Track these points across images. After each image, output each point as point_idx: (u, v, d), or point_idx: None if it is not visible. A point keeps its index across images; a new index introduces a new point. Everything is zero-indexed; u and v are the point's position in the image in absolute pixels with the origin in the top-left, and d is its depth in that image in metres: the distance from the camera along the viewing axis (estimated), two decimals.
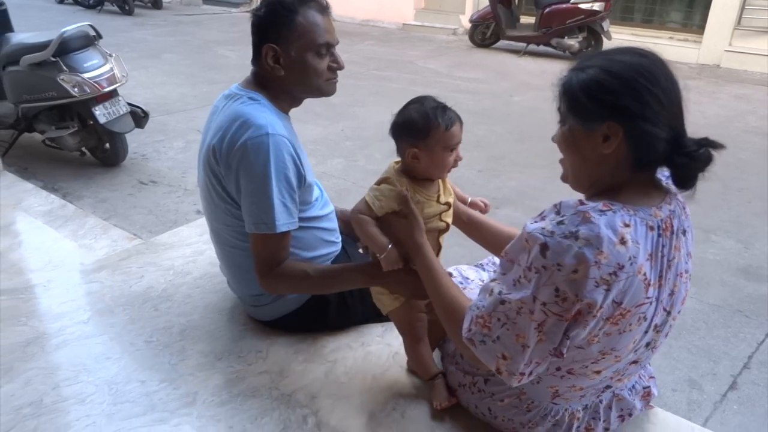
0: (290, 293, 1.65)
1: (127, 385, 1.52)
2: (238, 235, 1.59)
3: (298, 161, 1.50)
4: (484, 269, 1.73)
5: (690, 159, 1.03)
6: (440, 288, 1.30)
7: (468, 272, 1.69)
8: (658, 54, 1.08)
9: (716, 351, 2.51)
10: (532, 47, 9.04)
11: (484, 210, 1.63)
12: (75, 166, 4.27)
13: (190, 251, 2.17)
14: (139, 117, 4.13)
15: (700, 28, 8.87)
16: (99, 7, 12.27)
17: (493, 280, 1.16)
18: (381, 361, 1.63)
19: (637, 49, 1.09)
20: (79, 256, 2.26)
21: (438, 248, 1.45)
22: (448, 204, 1.44)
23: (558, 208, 1.06)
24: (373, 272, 1.43)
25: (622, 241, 1.00)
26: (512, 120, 5.80)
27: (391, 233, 1.37)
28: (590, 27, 8.38)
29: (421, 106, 1.35)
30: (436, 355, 1.57)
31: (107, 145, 4.16)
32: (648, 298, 1.07)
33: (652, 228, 1.05)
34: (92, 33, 3.98)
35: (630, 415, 1.39)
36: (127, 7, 12.00)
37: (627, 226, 1.01)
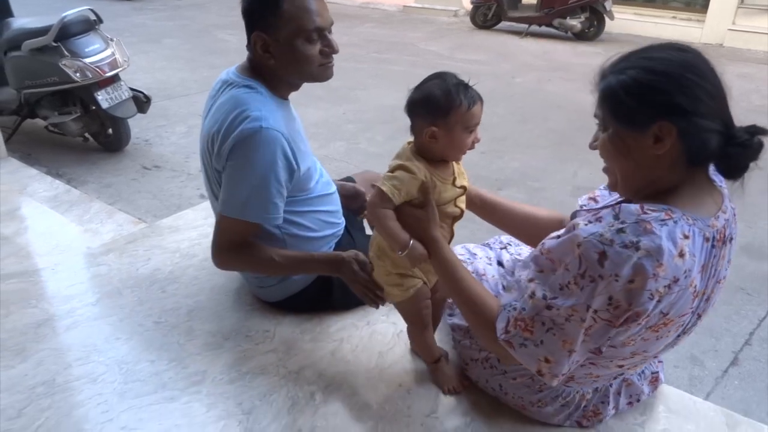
0: (240, 270, 1.69)
1: (137, 365, 1.55)
2: None
3: (290, 155, 1.48)
4: (491, 248, 1.74)
5: (743, 148, 0.99)
6: (461, 283, 1.26)
7: (475, 250, 1.71)
8: (695, 48, 1.04)
9: (718, 328, 2.53)
10: (534, 28, 8.96)
11: None
12: (78, 151, 4.28)
13: (195, 234, 2.19)
14: (142, 102, 4.13)
15: (704, 8, 8.78)
16: None
17: (530, 280, 1.12)
18: (386, 339, 1.65)
19: (675, 45, 1.04)
20: (86, 240, 2.28)
21: (451, 235, 1.41)
22: (463, 188, 1.39)
23: (617, 213, 1.02)
24: (338, 266, 1.51)
25: (681, 254, 0.98)
26: (514, 101, 5.77)
27: (403, 224, 1.30)
28: (592, 7, 8.28)
29: (443, 82, 1.27)
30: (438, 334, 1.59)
31: (110, 130, 4.16)
32: (692, 308, 1.07)
33: (707, 239, 1.03)
34: (93, 17, 3.96)
35: (638, 400, 1.41)
36: None
37: (686, 237, 0.99)
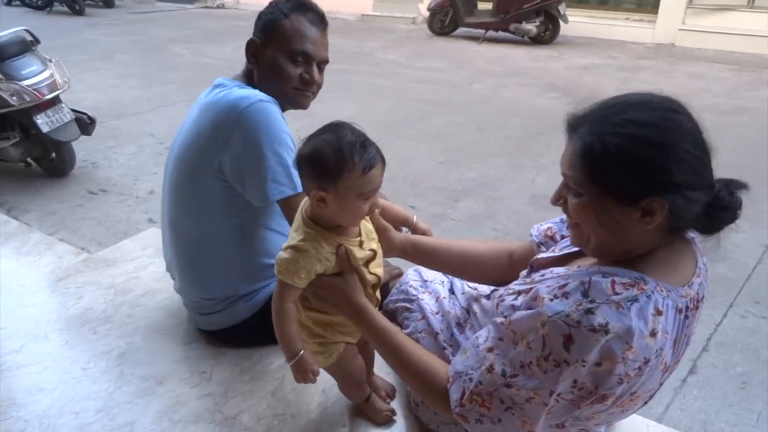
0: None
1: (60, 419, 1.44)
2: (209, 225, 1.53)
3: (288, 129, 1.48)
4: (444, 273, 1.67)
5: (725, 211, 0.94)
6: (401, 353, 1.16)
7: (427, 273, 1.64)
8: (679, 101, 0.95)
9: None
10: (491, 33, 9.04)
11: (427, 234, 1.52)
12: (21, 177, 4.11)
13: (132, 267, 2.08)
14: (85, 124, 3.97)
15: (654, 8, 8.98)
16: (48, 8, 11.90)
17: (489, 350, 1.04)
18: (329, 376, 1.57)
19: (659, 102, 0.95)
20: (19, 277, 2.14)
21: (376, 303, 1.25)
22: (373, 251, 1.21)
23: (586, 289, 0.93)
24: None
25: (653, 334, 0.90)
26: (472, 109, 5.77)
27: (322, 298, 1.18)
28: (547, 11, 8.42)
29: (336, 138, 1.06)
30: None
31: (53, 154, 4.00)
32: (660, 382, 1.01)
33: (680, 311, 0.96)
34: (29, 38, 3.81)
35: None
36: (77, 7, 11.66)
37: (659, 313, 0.91)
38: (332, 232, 1.14)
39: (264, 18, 1.54)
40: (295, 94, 1.54)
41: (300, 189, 1.39)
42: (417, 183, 3.83)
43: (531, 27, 8.52)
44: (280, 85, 1.50)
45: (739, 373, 2.30)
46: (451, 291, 1.57)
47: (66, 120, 3.81)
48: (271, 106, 1.42)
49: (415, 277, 1.63)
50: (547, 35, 8.67)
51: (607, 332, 0.88)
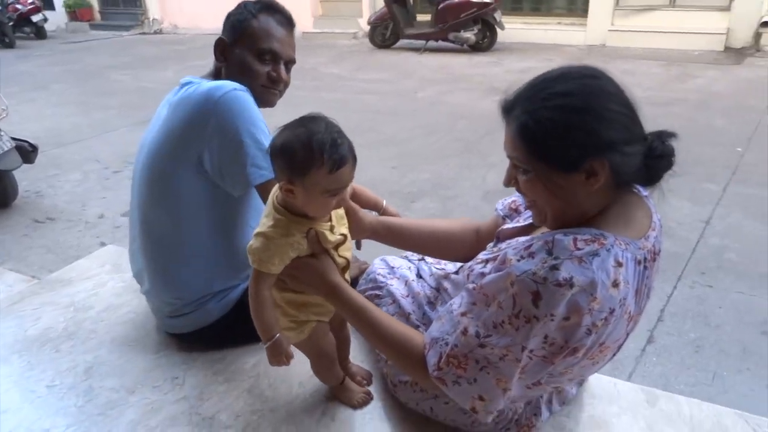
0: None
1: None
2: (186, 221, 1.53)
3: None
4: (409, 260, 1.70)
5: (660, 159, 0.99)
6: (377, 326, 1.19)
7: (394, 262, 1.66)
8: (597, 68, 1.01)
9: None
10: (431, 43, 9.24)
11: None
12: None
13: (90, 284, 2.03)
14: (27, 152, 3.84)
15: (584, 12, 9.38)
16: None
17: (463, 314, 1.07)
18: (306, 368, 1.56)
19: (584, 71, 1.00)
20: None
21: None
22: (343, 236, 1.24)
23: (550, 248, 0.97)
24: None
25: (615, 284, 0.95)
26: (419, 115, 5.88)
27: (298, 279, 1.20)
28: (484, 19, 8.67)
29: (306, 132, 1.06)
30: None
31: None
32: (626, 332, 1.06)
33: (639, 262, 1.01)
34: None
35: (564, 402, 1.40)
36: (7, 40, 11.29)
37: (620, 265, 0.96)
38: (303, 218, 1.16)
39: (232, 18, 1.57)
40: (262, 91, 1.57)
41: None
42: (372, 188, 3.80)
43: (469, 35, 8.76)
44: (248, 82, 1.52)
45: (693, 339, 2.42)
46: (419, 275, 1.61)
47: (6, 148, 3.68)
48: (245, 95, 1.45)
49: (381, 265, 1.66)
50: (486, 42, 8.93)
51: (572, 286, 0.93)
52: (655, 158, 0.99)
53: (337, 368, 1.41)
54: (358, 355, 1.58)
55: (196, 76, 1.60)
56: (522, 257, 1.00)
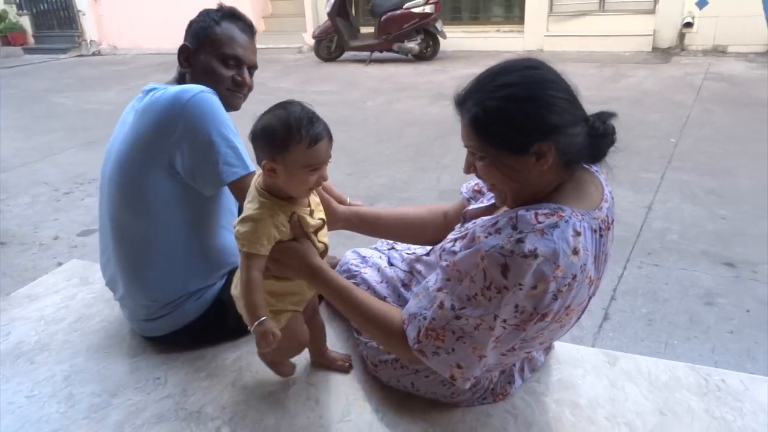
0: None
1: None
2: (159, 223, 1.55)
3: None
4: (379, 250, 1.77)
5: (603, 137, 1.08)
6: (358, 304, 1.25)
7: (365, 252, 1.73)
8: (536, 59, 1.11)
9: None
10: (377, 55, 9.39)
11: None
12: None
13: (59, 298, 2.01)
14: None
15: (521, 19, 9.74)
16: None
17: (438, 289, 1.15)
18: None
19: (525, 62, 1.10)
20: None
21: None
22: (322, 220, 1.33)
23: (515, 223, 1.06)
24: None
25: (575, 252, 1.04)
26: (369, 124, 5.98)
27: (280, 262, 1.25)
28: (426, 29, 8.88)
29: (285, 113, 1.15)
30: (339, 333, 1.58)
31: None
32: (589, 295, 1.16)
33: (595, 231, 1.10)
34: None
35: (534, 369, 1.50)
36: None
37: (578, 234, 1.05)
38: (285, 202, 1.22)
39: (195, 25, 1.63)
40: (228, 95, 1.63)
41: (251, 168, 1.48)
42: None
43: (413, 45, 8.96)
44: (214, 86, 1.56)
45: (644, 314, 2.58)
46: (390, 263, 1.68)
47: None
48: (212, 96, 1.50)
49: (353, 256, 1.73)
50: (429, 51, 9.15)
51: (536, 256, 1.02)
52: (598, 137, 1.09)
53: (289, 359, 1.48)
54: (336, 342, 1.64)
55: (160, 83, 1.63)
56: (489, 233, 1.09)
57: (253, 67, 1.70)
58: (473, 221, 1.28)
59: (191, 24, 1.66)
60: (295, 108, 1.17)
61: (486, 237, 1.08)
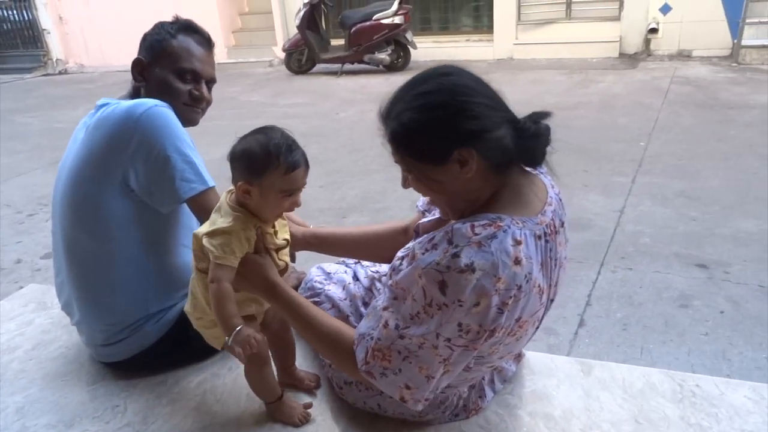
0: None
1: None
2: (116, 243, 1.50)
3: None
4: (346, 264, 1.73)
5: (536, 138, 1.04)
6: (312, 322, 1.22)
7: (330, 268, 1.69)
8: (453, 65, 1.08)
9: (561, 297, 2.67)
10: (348, 66, 9.37)
11: None
12: None
13: (14, 325, 1.92)
14: None
15: (490, 28, 9.83)
16: None
17: (385, 308, 1.12)
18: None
19: (438, 70, 1.07)
20: None
21: None
22: (286, 241, 1.33)
23: (450, 237, 1.02)
24: None
25: (517, 262, 1.00)
26: (342, 135, 5.95)
27: (239, 274, 1.22)
28: (396, 40, 8.90)
29: (265, 138, 1.17)
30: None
31: None
32: (542, 304, 1.11)
33: (539, 237, 1.06)
34: None
35: (505, 380, 1.46)
36: None
37: (519, 243, 1.01)
38: (255, 217, 1.23)
39: (150, 38, 1.57)
40: (185, 109, 1.57)
41: (210, 183, 1.45)
42: (303, 207, 3.83)
43: (384, 56, 8.96)
44: (170, 101, 1.52)
45: (619, 318, 2.57)
46: (355, 278, 1.64)
47: None
48: (167, 110, 1.45)
49: (318, 273, 1.68)
50: (400, 62, 9.16)
51: (473, 270, 0.98)
52: (529, 138, 1.05)
53: (273, 380, 1.39)
54: (303, 362, 1.58)
55: (113, 98, 1.58)
56: (426, 250, 1.05)
57: (211, 81, 1.65)
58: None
59: (145, 37, 1.61)
60: (275, 134, 1.18)
61: (422, 254, 1.05)
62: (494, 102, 1.06)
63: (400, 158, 1.09)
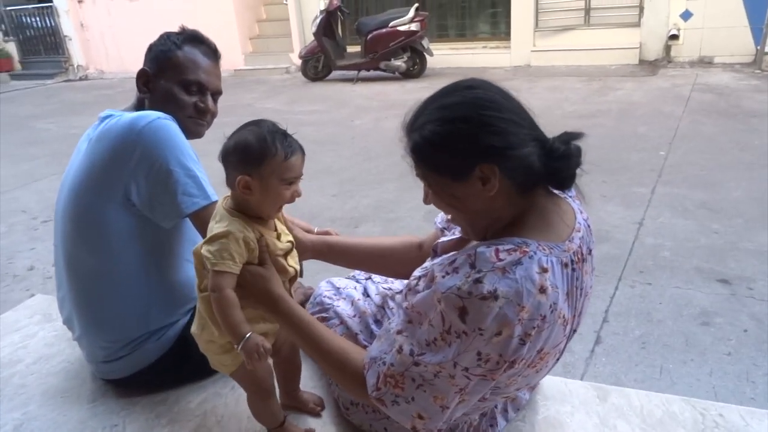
0: None
1: None
2: (117, 257, 1.46)
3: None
4: (356, 280, 1.68)
5: (565, 160, 0.99)
6: (319, 341, 1.16)
7: (340, 283, 1.64)
8: (480, 79, 1.04)
9: None
10: (364, 73, 9.36)
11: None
12: None
13: (18, 337, 1.90)
14: None
15: (507, 35, 9.76)
16: None
17: (399, 332, 1.06)
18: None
19: (464, 83, 1.03)
20: None
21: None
22: (291, 243, 1.29)
23: (473, 261, 0.97)
24: None
25: (542, 290, 0.95)
26: (357, 143, 5.91)
27: (241, 286, 1.17)
28: (412, 47, 8.86)
29: (258, 128, 1.16)
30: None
31: None
32: (565, 336, 1.05)
33: (566, 265, 1.01)
34: None
35: (519, 408, 1.40)
36: None
37: (545, 271, 0.96)
38: (253, 221, 1.19)
39: (156, 49, 1.55)
40: (189, 122, 1.55)
41: (213, 198, 1.40)
42: (315, 217, 3.84)
43: (400, 63, 8.93)
44: (175, 113, 1.49)
45: (638, 336, 2.49)
46: (365, 294, 1.59)
47: None
48: (170, 123, 1.42)
49: (327, 287, 1.64)
50: (416, 69, 9.12)
51: (496, 298, 0.92)
52: (557, 159, 1.00)
53: (276, 406, 1.35)
54: (309, 382, 1.53)
55: (117, 110, 1.55)
56: (447, 273, 1.00)
57: (217, 93, 1.62)
58: (442, 257, 1.18)
59: (151, 47, 1.58)
60: (266, 123, 1.18)
61: (443, 277, 0.99)
62: (521, 119, 1.01)
63: (422, 172, 1.04)
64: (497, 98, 1.01)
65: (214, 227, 1.18)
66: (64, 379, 1.67)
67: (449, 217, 1.32)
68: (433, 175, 1.03)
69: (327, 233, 1.52)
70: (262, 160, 1.13)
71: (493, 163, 0.97)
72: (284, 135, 1.17)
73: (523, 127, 1.00)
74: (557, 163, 1.00)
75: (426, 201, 1.10)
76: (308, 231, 1.53)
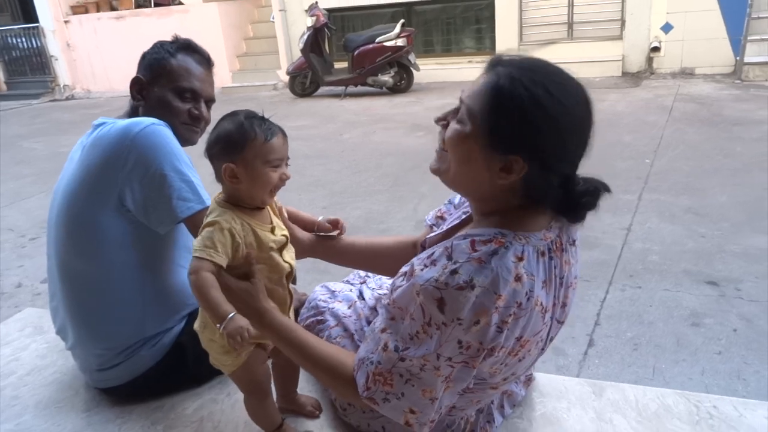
0: None
1: None
2: (110, 264, 1.46)
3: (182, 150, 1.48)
4: (350, 283, 1.68)
5: (586, 195, 1.00)
6: (307, 348, 1.16)
7: (335, 286, 1.64)
8: (587, 95, 1.01)
9: (570, 317, 2.65)
10: (351, 89, 9.41)
11: (333, 228, 1.50)
12: None
13: (9, 350, 1.88)
14: None
15: (492, 49, 9.86)
16: None
17: (383, 330, 1.07)
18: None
19: (579, 85, 1.00)
20: None
21: (290, 298, 1.30)
22: (285, 237, 1.28)
23: (449, 253, 0.99)
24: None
25: (517, 278, 0.96)
26: (346, 156, 5.94)
27: (228, 297, 1.15)
28: (399, 62, 8.94)
29: (235, 116, 1.18)
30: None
31: None
32: (545, 324, 1.06)
33: (543, 253, 1.02)
34: None
35: (515, 404, 1.41)
36: None
37: (520, 259, 0.97)
38: (245, 213, 1.19)
39: (149, 57, 1.57)
40: (183, 129, 1.56)
41: (208, 202, 1.40)
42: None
43: (387, 78, 9.00)
44: (168, 120, 1.50)
45: (630, 338, 2.51)
46: (361, 296, 1.60)
47: None
48: (164, 128, 1.43)
49: (322, 291, 1.64)
50: (403, 84, 9.20)
51: (473, 287, 0.94)
52: (574, 190, 1.01)
53: (274, 409, 1.34)
54: (306, 384, 1.53)
55: (110, 117, 1.55)
56: (425, 266, 1.01)
57: (210, 101, 1.64)
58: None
59: (144, 56, 1.60)
60: (243, 111, 1.20)
61: (421, 270, 1.01)
62: (581, 149, 1.01)
63: (476, 108, 0.99)
64: (585, 118, 1.00)
65: (205, 219, 1.20)
66: (57, 389, 1.66)
67: (437, 212, 1.33)
68: (481, 120, 0.98)
69: (336, 222, 1.49)
70: (244, 144, 1.15)
71: (527, 161, 0.96)
72: (262, 119, 1.19)
73: (575, 156, 1.01)
74: (575, 195, 1.01)
75: (439, 121, 1.07)
76: (313, 222, 1.51)
